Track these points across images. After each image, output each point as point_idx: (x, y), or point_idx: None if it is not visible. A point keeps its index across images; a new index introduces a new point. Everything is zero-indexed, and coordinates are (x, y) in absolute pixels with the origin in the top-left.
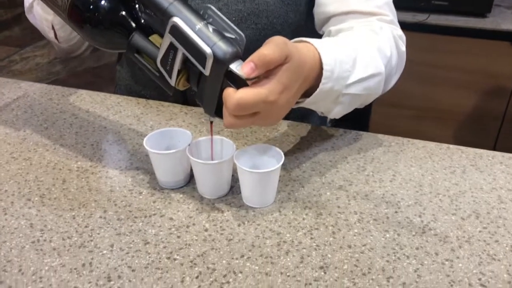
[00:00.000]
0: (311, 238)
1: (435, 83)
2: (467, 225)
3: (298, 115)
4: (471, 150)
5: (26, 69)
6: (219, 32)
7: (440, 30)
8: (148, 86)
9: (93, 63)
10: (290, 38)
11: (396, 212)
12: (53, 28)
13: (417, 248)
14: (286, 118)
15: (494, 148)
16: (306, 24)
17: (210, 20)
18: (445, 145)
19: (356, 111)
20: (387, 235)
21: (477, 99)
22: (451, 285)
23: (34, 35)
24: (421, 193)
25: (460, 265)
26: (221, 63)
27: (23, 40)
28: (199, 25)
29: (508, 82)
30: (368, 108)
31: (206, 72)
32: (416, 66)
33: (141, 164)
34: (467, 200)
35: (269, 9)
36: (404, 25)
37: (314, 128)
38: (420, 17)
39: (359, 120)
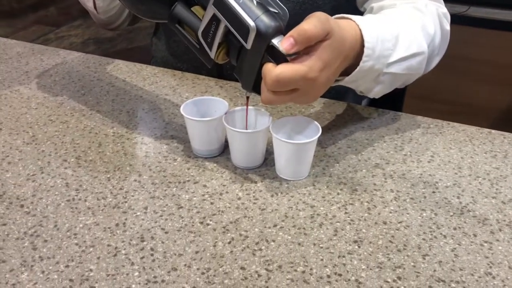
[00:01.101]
0: (346, 213)
1: (471, 78)
2: (508, 209)
3: (333, 93)
4: None
5: (61, 48)
6: (262, 6)
7: (480, 22)
8: (184, 59)
9: (126, 45)
10: (330, 14)
11: (433, 192)
12: None
13: (454, 229)
14: (322, 96)
15: None
16: (348, 0)
17: None
18: (486, 130)
19: (390, 95)
20: (424, 214)
21: None
22: (490, 267)
23: (69, 15)
24: (460, 175)
25: (500, 248)
26: (263, 37)
27: (58, 19)
28: None
29: None
30: (401, 94)
31: (248, 45)
32: (452, 59)
33: (176, 132)
34: (509, 185)
35: None
36: None
37: (351, 107)
38: (459, 9)
39: (393, 105)
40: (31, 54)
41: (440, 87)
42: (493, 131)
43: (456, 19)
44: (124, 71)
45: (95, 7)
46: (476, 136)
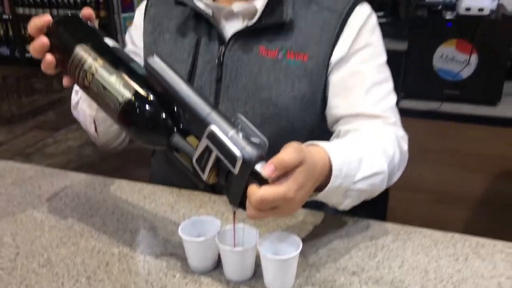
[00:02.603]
0: None
1: (449, 168)
2: None
3: (313, 205)
4: (474, 239)
5: (59, 152)
6: (247, 138)
7: (452, 117)
8: (180, 178)
9: (124, 146)
10: (306, 136)
11: None
12: (94, 123)
13: None
14: (304, 206)
15: None
16: (321, 124)
17: (239, 126)
18: (450, 234)
19: (373, 199)
20: None
21: (491, 183)
22: None
23: (66, 121)
24: (426, 279)
25: None
26: (248, 164)
27: (57, 124)
28: (231, 132)
29: None
30: (385, 195)
31: (235, 171)
32: (430, 152)
33: (174, 249)
34: (469, 287)
35: (289, 113)
36: (417, 113)
37: (329, 217)
38: (432, 105)
39: (376, 206)
40: (42, 177)
41: (422, 178)
42: (455, 235)
43: (430, 115)
44: (126, 190)
45: (96, 131)
46: (440, 240)
